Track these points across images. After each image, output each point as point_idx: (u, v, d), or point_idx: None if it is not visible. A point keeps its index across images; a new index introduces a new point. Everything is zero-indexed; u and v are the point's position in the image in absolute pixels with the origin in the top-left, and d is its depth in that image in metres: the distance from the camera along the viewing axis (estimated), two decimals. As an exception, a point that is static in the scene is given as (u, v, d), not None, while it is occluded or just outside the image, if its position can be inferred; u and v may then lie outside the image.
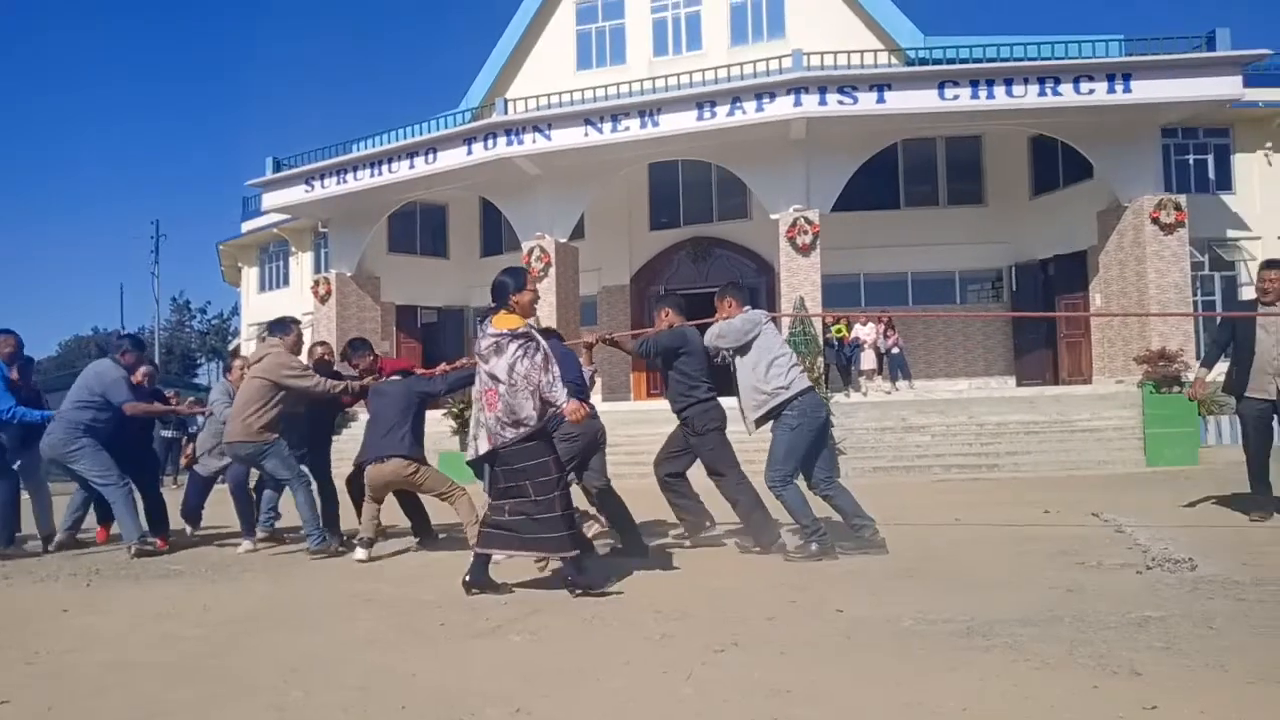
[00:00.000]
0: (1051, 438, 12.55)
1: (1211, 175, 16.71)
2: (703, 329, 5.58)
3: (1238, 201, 16.61)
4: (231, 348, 33.88)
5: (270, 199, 19.46)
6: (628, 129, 15.47)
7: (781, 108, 14.54)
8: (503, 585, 4.36)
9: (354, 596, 4.49)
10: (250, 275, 26.40)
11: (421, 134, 17.44)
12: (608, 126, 15.57)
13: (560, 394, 4.11)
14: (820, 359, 15.05)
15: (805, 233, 15.31)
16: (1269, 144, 16.62)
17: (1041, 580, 4.29)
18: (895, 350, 16.58)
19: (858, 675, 2.85)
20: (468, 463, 4.57)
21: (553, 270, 16.82)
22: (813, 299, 15.25)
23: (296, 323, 6.34)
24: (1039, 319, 17.59)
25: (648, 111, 15.39)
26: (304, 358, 6.39)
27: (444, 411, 13.34)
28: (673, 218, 20.09)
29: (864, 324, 16.56)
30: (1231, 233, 16.57)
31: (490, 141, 16.28)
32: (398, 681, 2.94)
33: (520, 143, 16.03)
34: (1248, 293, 14.79)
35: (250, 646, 3.52)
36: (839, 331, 16.58)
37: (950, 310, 18.51)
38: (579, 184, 16.86)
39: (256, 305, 25.82)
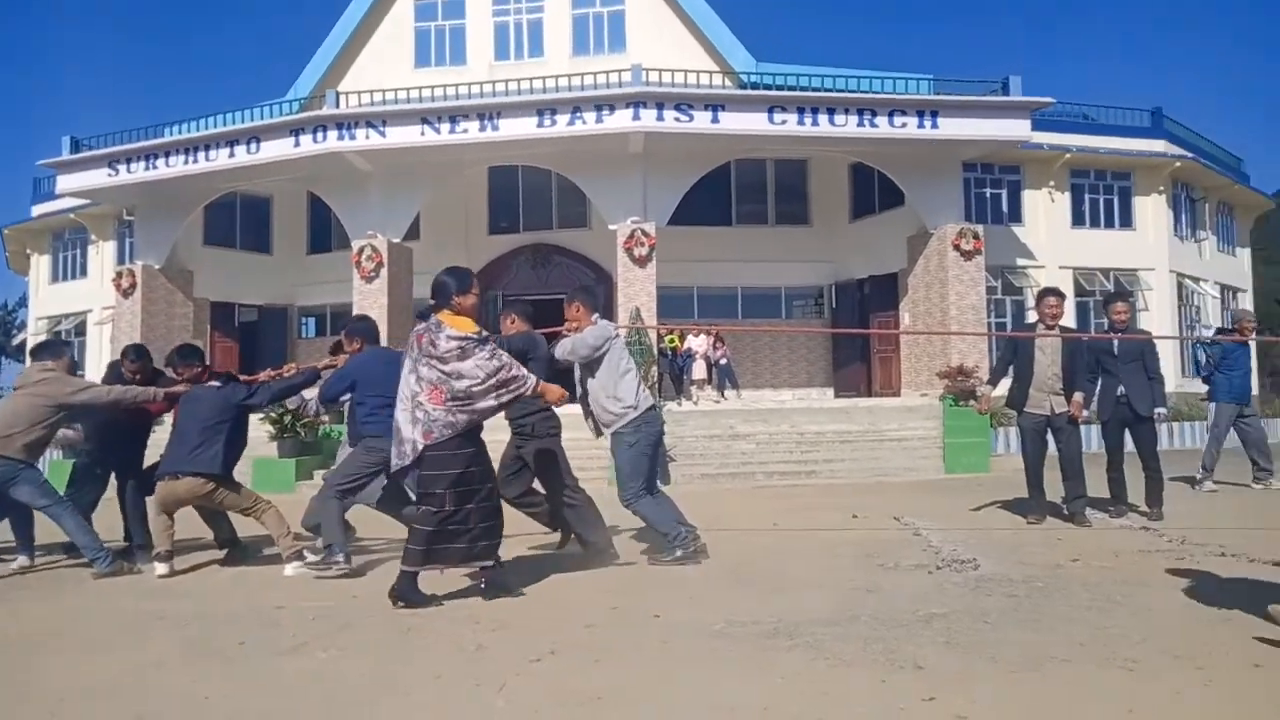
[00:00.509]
0: (863, 446, 13.36)
1: (1005, 208, 18.43)
2: (550, 338, 5.51)
3: (1026, 233, 18.40)
4: (17, 342, 30.54)
5: (67, 181, 17.68)
6: (466, 131, 15.21)
7: (621, 120, 14.77)
8: (432, 597, 4.15)
9: (146, 615, 4.16)
10: (41, 263, 23.88)
11: (244, 121, 16.42)
12: (445, 127, 15.25)
13: (530, 384, 4.24)
14: (655, 368, 15.37)
15: (642, 244, 15.60)
16: (1052, 183, 18.53)
17: (846, 582, 4.57)
18: (723, 361, 17.22)
19: (668, 679, 2.93)
20: (394, 474, 4.33)
21: (385, 271, 16.26)
22: (648, 309, 15.55)
23: (67, 344, 5.91)
24: (854, 335, 18.74)
25: (488, 115, 15.21)
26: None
27: (261, 417, 12.58)
28: (512, 223, 19.95)
29: (695, 335, 17.08)
30: (1020, 261, 18.32)
31: (320, 134, 15.55)
32: (186, 706, 2.75)
33: (352, 137, 15.40)
34: (1032, 316, 16.39)
35: (17, 674, 3.18)
36: (671, 342, 17.02)
37: (776, 324, 19.43)
38: (414, 183, 16.41)
39: (48, 296, 23.41)
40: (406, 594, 4.05)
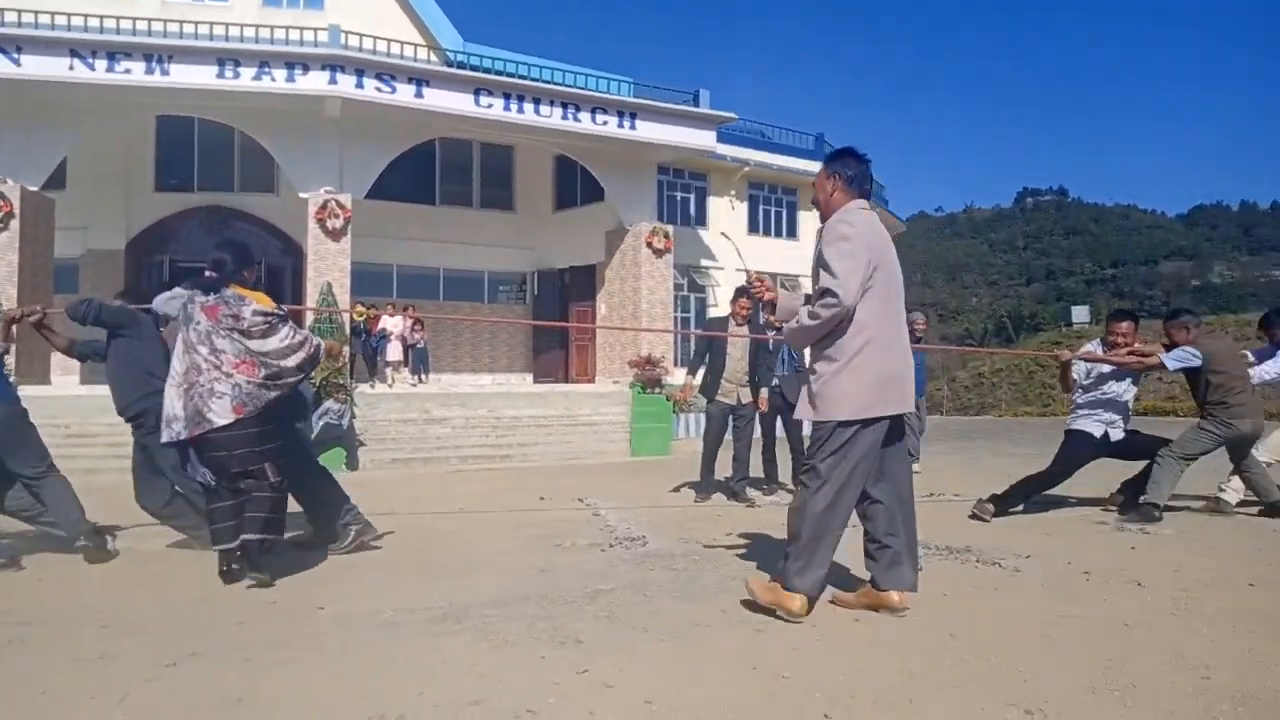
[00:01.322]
0: (558, 431, 13.75)
1: (693, 212, 19.85)
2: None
3: (710, 236, 19.97)
4: None
5: None
6: (129, 72, 13.35)
7: (315, 83, 13.80)
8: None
9: None
10: None
11: None
12: (102, 64, 13.26)
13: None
14: (347, 349, 14.60)
15: (336, 216, 14.72)
16: (733, 192, 20.28)
17: (522, 563, 4.66)
18: (420, 345, 16.82)
19: (319, 674, 2.80)
20: (166, 444, 4.22)
21: (16, 223, 13.80)
22: (341, 286, 14.73)
23: None
24: (552, 327, 19.19)
25: (157, 57, 13.45)
26: None
27: None
28: (185, 180, 17.90)
29: (392, 315, 16.49)
30: (705, 261, 19.85)
31: (-73, 52, 12.84)
32: None
33: (-25, 62, 12.90)
34: (714, 312, 17.87)
35: None
36: (361, 314, 16.25)
37: (477, 309, 19.36)
38: (59, 124, 14.10)
39: None
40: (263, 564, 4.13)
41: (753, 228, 20.85)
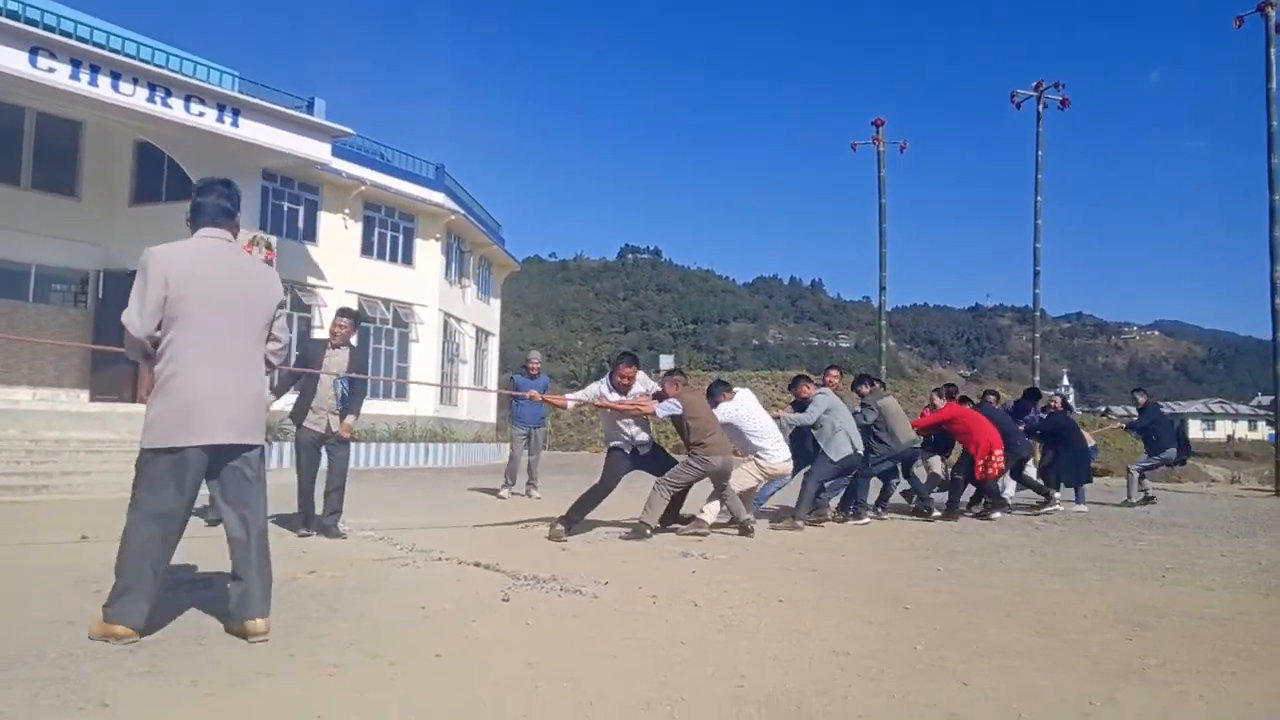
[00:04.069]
0: (117, 458, 11.81)
1: (301, 225, 18.62)
2: None
3: (320, 253, 18.87)
4: None
5: None
6: None
7: None
8: None
9: None
10: None
11: None
12: None
13: None
14: None
15: None
16: (347, 210, 19.43)
17: (44, 614, 3.86)
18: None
19: None
20: None
21: None
22: None
23: None
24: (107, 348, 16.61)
25: None
26: None
27: None
28: None
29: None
30: (312, 280, 18.69)
31: None
32: None
33: None
34: (318, 333, 16.82)
35: None
36: None
37: (17, 309, 16.10)
38: None
39: None
40: None
41: (366, 250, 20.14)
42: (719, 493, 7.35)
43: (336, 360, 6.80)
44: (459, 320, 23.74)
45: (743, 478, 7.65)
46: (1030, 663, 3.45)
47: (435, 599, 4.38)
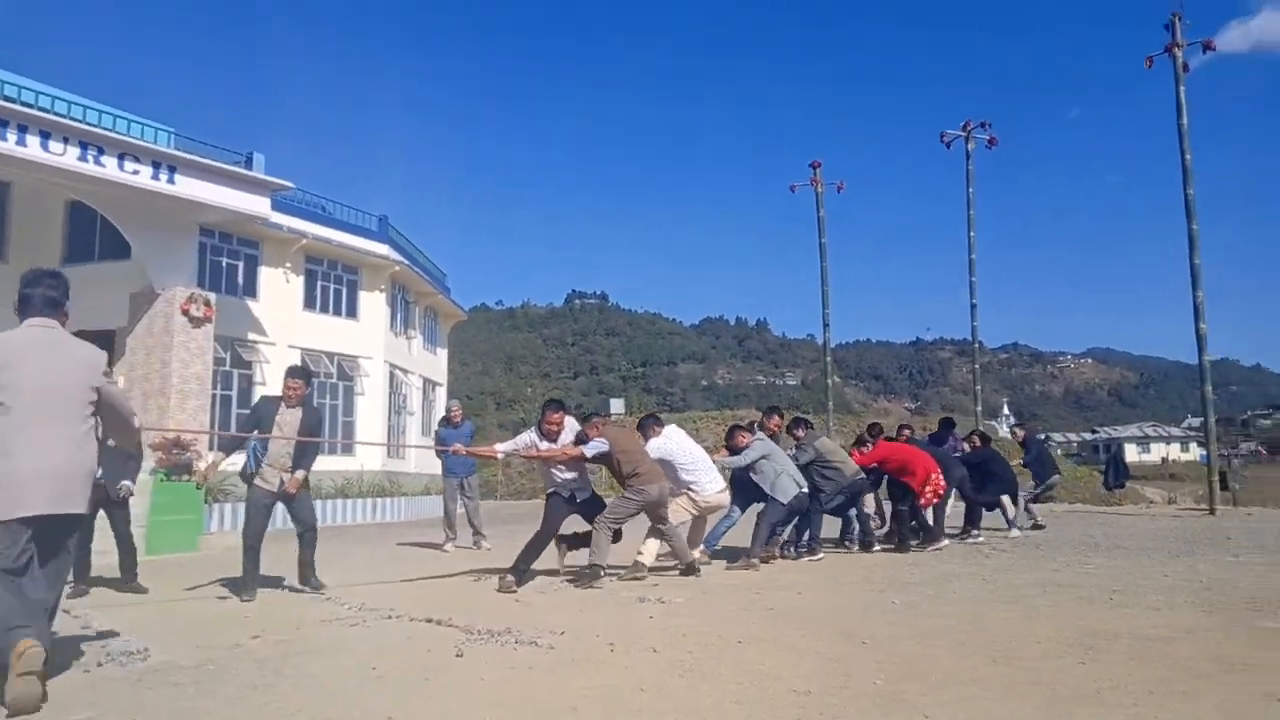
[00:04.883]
0: None
1: (241, 280, 18.29)
2: None
3: (261, 309, 18.52)
4: None
5: None
6: None
7: None
8: None
9: None
10: None
11: None
12: None
13: None
14: None
15: None
16: (289, 264, 19.16)
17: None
18: None
19: None
20: None
21: None
22: None
23: None
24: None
25: None
26: None
27: None
28: None
29: None
30: (253, 335, 18.31)
31: None
32: None
33: None
34: (262, 390, 16.46)
35: None
36: None
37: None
38: None
39: None
40: None
41: (309, 304, 19.84)
42: (658, 531, 7.32)
43: (289, 420, 6.68)
44: (405, 371, 23.45)
45: (677, 513, 7.64)
46: (987, 692, 3.48)
47: (387, 658, 4.26)
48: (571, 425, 7.25)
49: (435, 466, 25.57)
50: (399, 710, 3.31)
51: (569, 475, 7.12)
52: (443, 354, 28.10)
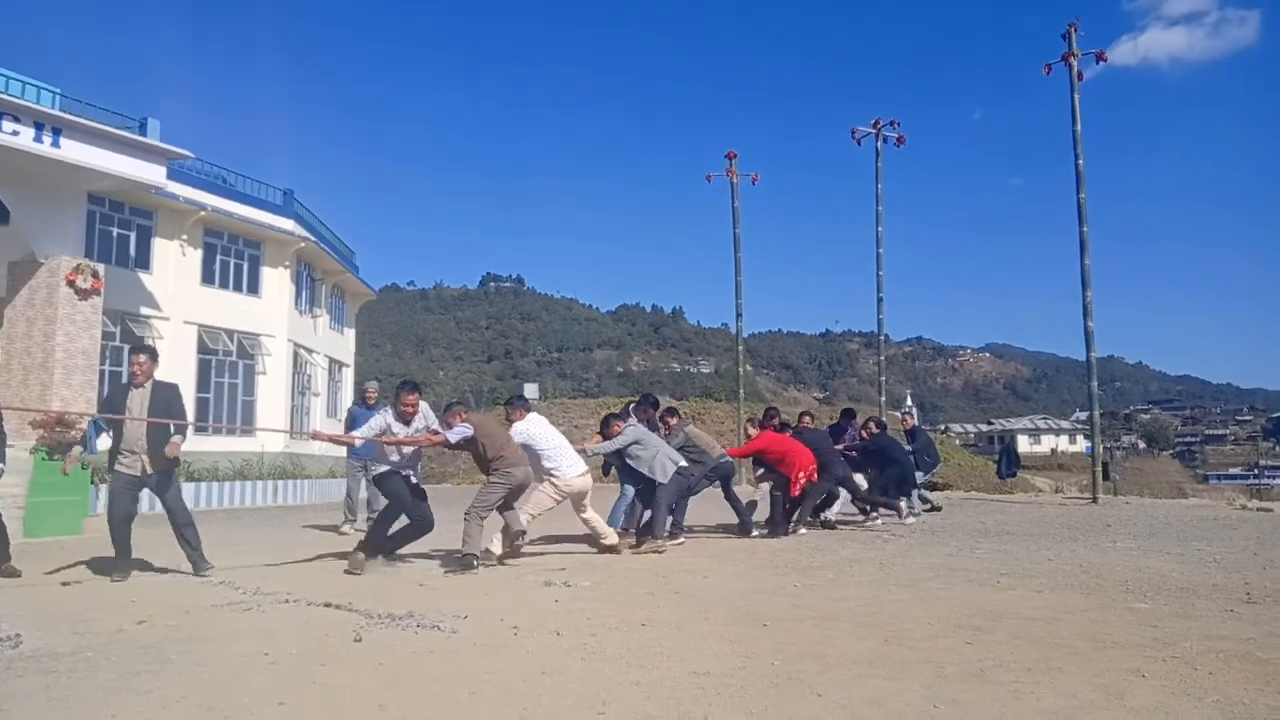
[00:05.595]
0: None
1: (133, 252, 17.37)
2: None
3: (154, 281, 17.64)
4: None
5: None
6: None
7: None
8: None
9: None
10: None
11: None
12: None
13: None
14: None
15: None
16: (185, 237, 18.29)
17: None
18: None
19: None
20: None
21: None
22: None
23: None
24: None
25: None
26: None
27: None
28: None
29: None
30: (145, 310, 17.43)
31: None
32: None
33: None
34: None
35: None
36: None
37: None
38: None
39: None
40: None
41: (208, 278, 19.01)
42: (513, 516, 7.36)
43: (137, 400, 6.37)
44: (310, 351, 22.73)
45: (541, 500, 7.71)
46: (879, 671, 3.59)
47: (280, 644, 4.12)
48: (425, 410, 7.20)
49: (341, 449, 24.93)
50: (290, 696, 3.21)
51: (400, 459, 7.08)
52: (350, 334, 27.36)
